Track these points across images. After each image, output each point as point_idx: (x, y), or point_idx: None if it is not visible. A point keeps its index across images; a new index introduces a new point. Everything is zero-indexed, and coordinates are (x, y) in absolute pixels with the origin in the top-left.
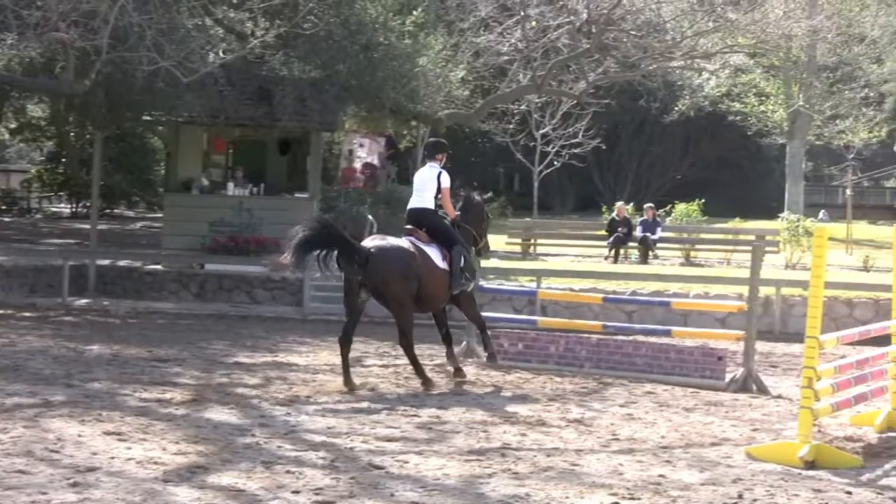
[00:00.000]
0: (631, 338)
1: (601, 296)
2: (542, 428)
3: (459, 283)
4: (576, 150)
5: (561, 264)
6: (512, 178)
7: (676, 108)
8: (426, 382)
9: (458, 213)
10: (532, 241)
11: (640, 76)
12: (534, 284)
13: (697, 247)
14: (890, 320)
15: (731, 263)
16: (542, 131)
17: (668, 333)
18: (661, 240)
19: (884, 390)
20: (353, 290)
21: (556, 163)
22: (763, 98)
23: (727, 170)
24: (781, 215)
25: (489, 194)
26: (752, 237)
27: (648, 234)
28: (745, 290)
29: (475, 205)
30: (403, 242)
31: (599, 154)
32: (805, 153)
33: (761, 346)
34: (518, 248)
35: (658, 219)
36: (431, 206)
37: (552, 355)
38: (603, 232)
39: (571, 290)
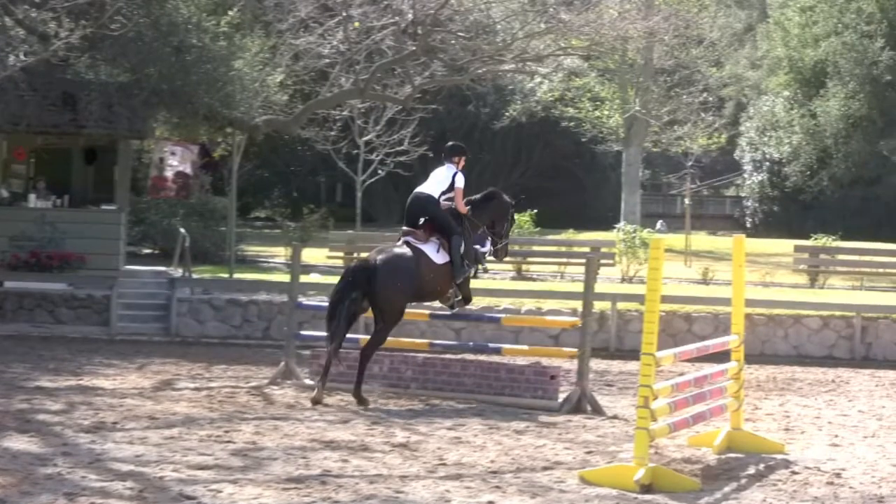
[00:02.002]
0: (459, 356)
1: (428, 312)
2: (364, 453)
3: (461, 271)
4: (401, 158)
5: None
6: (334, 189)
7: (507, 114)
8: (360, 401)
9: (470, 206)
10: (355, 254)
11: (469, 80)
12: None
13: (529, 259)
14: (729, 335)
15: (565, 277)
16: (365, 138)
17: (498, 351)
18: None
19: (723, 409)
20: (351, 298)
21: (380, 171)
22: (598, 103)
23: (561, 178)
24: (617, 226)
25: (521, 198)
26: (586, 249)
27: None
28: (579, 304)
29: (497, 201)
30: (404, 249)
31: (426, 162)
32: (642, 160)
33: (596, 363)
34: (340, 262)
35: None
36: (436, 195)
37: (376, 376)
38: None
39: None
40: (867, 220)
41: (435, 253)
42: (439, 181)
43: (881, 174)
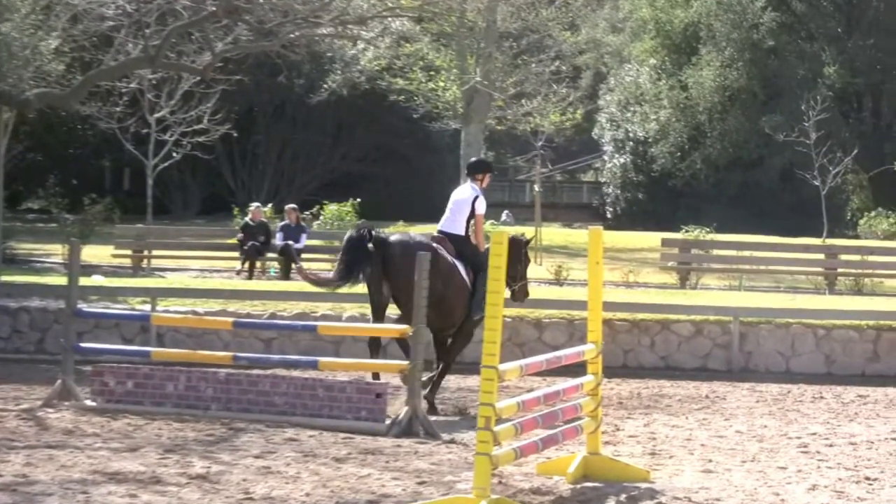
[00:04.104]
0: (269, 372)
1: (231, 320)
2: (156, 487)
3: (481, 308)
4: (201, 139)
5: (182, 281)
6: (121, 174)
7: (326, 86)
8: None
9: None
10: (146, 252)
11: (280, 46)
12: (147, 307)
13: None
14: (585, 345)
15: None
16: (157, 115)
17: (314, 365)
18: (308, 249)
19: (578, 431)
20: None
21: (175, 154)
22: (432, 73)
23: (389, 162)
24: None
25: (528, 240)
26: None
27: (291, 243)
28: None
29: (517, 244)
30: (429, 241)
31: (230, 143)
32: (484, 141)
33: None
34: (128, 262)
35: (303, 223)
36: (463, 231)
37: (170, 395)
38: (235, 240)
39: (195, 313)
40: (747, 209)
41: (463, 270)
42: (461, 209)
43: (763, 155)
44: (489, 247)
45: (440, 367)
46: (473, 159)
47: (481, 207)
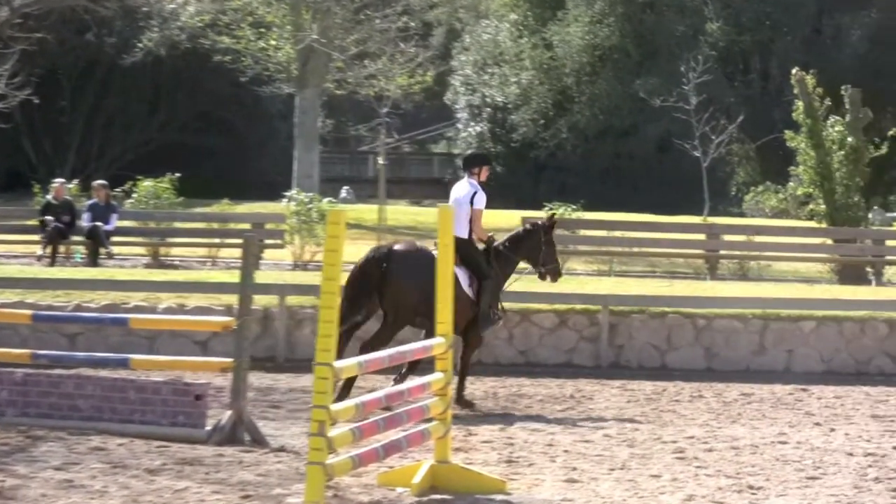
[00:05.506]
0: (74, 371)
1: (30, 312)
2: None
3: (488, 322)
4: None
5: None
6: None
7: (141, 45)
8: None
9: (508, 242)
10: None
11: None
12: None
13: (170, 241)
14: (434, 338)
15: (218, 264)
16: None
17: (125, 364)
18: (119, 231)
19: (425, 436)
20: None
21: None
22: (263, 30)
23: (213, 131)
24: (288, 194)
25: (553, 213)
26: (246, 226)
27: (100, 224)
28: (234, 300)
29: (532, 234)
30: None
31: (30, 111)
32: (322, 107)
33: (258, 378)
34: None
35: (114, 202)
36: (465, 233)
37: None
38: (35, 222)
39: None
40: (619, 184)
41: (464, 278)
42: (461, 208)
43: (637, 123)
44: (483, 244)
45: (458, 379)
46: (469, 152)
47: (479, 202)
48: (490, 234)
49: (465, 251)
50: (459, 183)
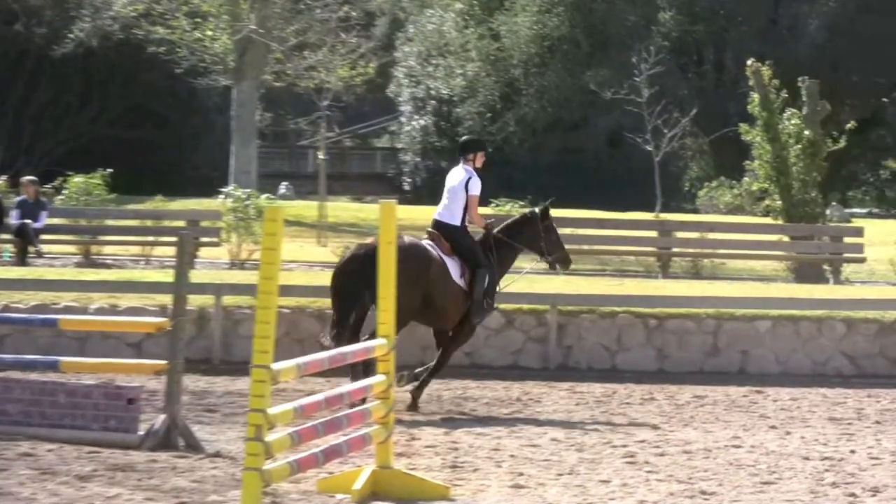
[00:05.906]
0: (1, 374)
1: None
2: None
3: (481, 311)
4: None
5: None
6: None
7: (72, 36)
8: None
9: (506, 229)
10: None
11: None
12: None
13: (101, 238)
14: (375, 339)
15: (151, 262)
16: None
17: (54, 366)
18: (48, 229)
19: (366, 440)
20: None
21: None
22: (198, 20)
23: (147, 125)
24: (225, 190)
25: (551, 199)
26: (181, 224)
27: (29, 222)
28: (169, 300)
29: (530, 221)
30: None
31: None
32: (260, 100)
33: (193, 381)
34: None
35: (43, 199)
36: (458, 221)
37: None
38: None
39: None
40: (568, 178)
41: (456, 270)
42: (456, 195)
43: (587, 116)
44: (476, 234)
45: (433, 365)
46: (465, 138)
47: (474, 188)
48: (489, 221)
49: (456, 240)
50: (455, 169)
